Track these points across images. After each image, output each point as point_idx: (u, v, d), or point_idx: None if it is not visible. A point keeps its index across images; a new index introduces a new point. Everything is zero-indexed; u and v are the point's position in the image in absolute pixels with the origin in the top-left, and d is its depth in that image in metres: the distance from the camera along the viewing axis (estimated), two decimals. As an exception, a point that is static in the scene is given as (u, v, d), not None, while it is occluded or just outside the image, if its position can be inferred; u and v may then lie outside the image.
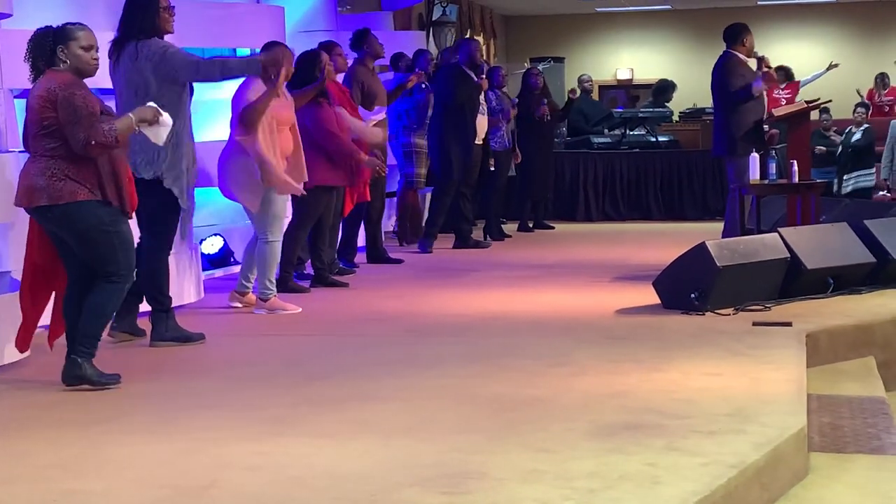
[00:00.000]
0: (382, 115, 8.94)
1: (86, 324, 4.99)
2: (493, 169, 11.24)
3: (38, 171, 4.93)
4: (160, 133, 5.09)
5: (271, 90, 6.68)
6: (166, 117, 5.08)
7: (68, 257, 5.08)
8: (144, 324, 6.16)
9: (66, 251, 5.08)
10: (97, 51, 5.03)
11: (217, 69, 5.96)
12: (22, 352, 5.34)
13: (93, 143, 4.83)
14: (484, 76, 10.41)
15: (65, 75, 4.92)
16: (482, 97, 10.42)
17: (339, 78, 8.59)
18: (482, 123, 10.45)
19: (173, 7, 5.97)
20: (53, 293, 5.23)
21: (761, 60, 8.72)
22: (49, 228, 5.05)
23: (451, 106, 9.95)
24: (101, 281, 5.00)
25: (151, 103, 5.16)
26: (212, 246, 8.75)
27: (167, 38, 5.95)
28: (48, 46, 4.94)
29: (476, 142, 10.37)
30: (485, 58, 16.17)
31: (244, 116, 6.73)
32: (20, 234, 5.85)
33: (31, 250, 5.16)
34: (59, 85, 4.87)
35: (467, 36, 17.20)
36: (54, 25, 5.00)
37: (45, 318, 5.32)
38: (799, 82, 13.74)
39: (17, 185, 5.06)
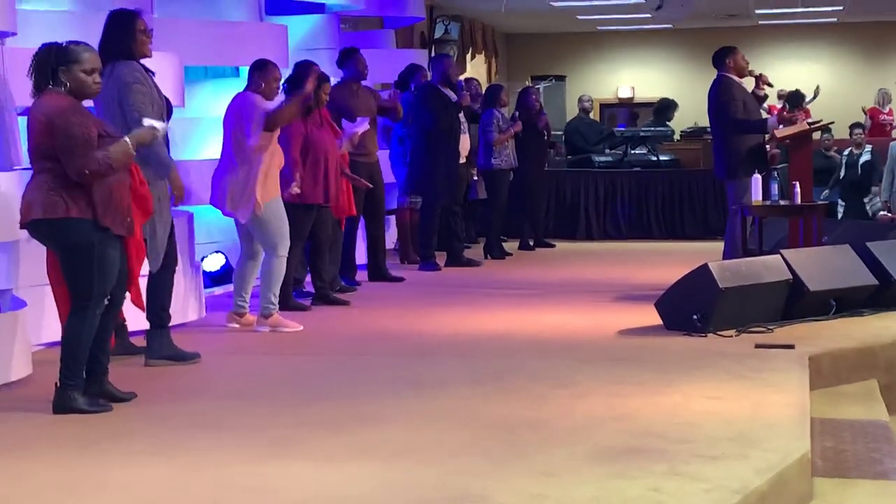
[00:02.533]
0: (367, 126, 8.74)
1: (66, 355, 4.93)
2: (489, 187, 11.22)
3: (35, 186, 4.93)
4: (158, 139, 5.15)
5: (297, 97, 6.86)
6: (160, 124, 5.08)
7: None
8: (137, 340, 6.15)
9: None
10: (100, 74, 5.03)
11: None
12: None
13: (86, 172, 4.81)
14: (465, 92, 10.32)
15: (62, 99, 4.88)
16: (462, 116, 10.30)
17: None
18: (465, 143, 10.36)
19: (152, 30, 5.99)
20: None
21: (759, 79, 8.72)
22: (43, 243, 5.03)
23: (432, 131, 9.87)
24: (75, 307, 4.95)
25: (147, 121, 5.13)
26: (213, 263, 8.74)
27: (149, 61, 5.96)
28: (50, 65, 4.91)
29: (460, 161, 10.29)
30: (477, 77, 16.17)
31: (272, 119, 6.75)
32: (23, 252, 5.85)
33: (52, 266, 5.15)
34: (57, 111, 4.84)
35: (468, 54, 17.24)
36: (59, 42, 4.97)
37: (51, 336, 5.31)
38: (808, 110, 13.78)
39: (21, 203, 5.04)
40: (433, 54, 15.15)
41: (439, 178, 9.97)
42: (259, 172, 6.80)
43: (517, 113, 11.61)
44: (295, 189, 7.51)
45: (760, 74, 8.77)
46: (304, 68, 7.38)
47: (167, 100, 6.16)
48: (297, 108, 6.96)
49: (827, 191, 12.73)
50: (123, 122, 5.66)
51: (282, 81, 7.21)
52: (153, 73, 6.02)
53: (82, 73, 4.93)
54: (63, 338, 4.97)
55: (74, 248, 4.91)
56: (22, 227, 5.04)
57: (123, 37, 5.84)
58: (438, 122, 9.81)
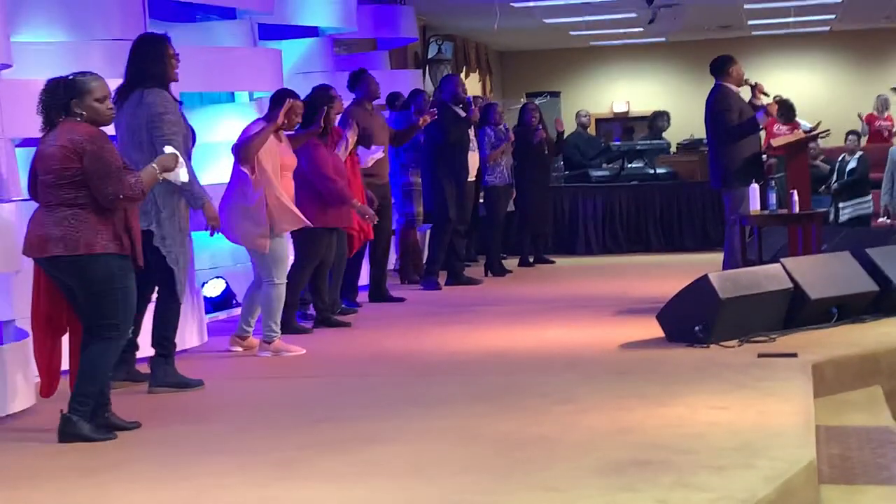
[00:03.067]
0: (381, 154, 8.95)
1: (81, 382, 4.95)
2: (487, 205, 11.25)
3: (54, 222, 4.91)
4: (180, 174, 5.15)
5: (270, 127, 6.82)
6: (181, 159, 5.14)
7: (75, 305, 5.07)
8: (142, 367, 6.15)
9: (75, 301, 5.06)
10: (111, 100, 5.07)
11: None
12: (46, 397, 5.29)
13: (121, 197, 4.86)
14: (475, 107, 10.37)
15: (87, 127, 4.92)
16: (472, 133, 10.37)
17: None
18: (473, 160, 10.41)
19: (178, 54, 6.00)
20: (68, 337, 5.21)
21: (755, 88, 8.74)
22: (58, 278, 5.03)
23: (442, 145, 9.92)
24: (96, 337, 4.96)
25: (169, 148, 5.21)
26: (214, 289, 8.75)
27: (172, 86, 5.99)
28: (61, 99, 4.93)
29: (468, 179, 10.34)
30: (479, 94, 16.22)
31: (242, 149, 6.79)
32: (23, 283, 5.85)
33: (39, 300, 5.13)
34: (86, 137, 4.88)
35: (462, 73, 17.28)
36: (66, 76, 4.98)
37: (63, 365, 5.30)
38: (799, 124, 13.80)
39: (27, 235, 5.02)
40: (428, 74, 15.21)
41: (450, 195, 10.00)
42: (262, 202, 6.79)
43: (505, 128, 11.59)
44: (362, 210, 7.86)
45: (756, 83, 8.79)
46: (283, 95, 7.30)
47: (191, 127, 6.18)
48: (262, 141, 6.84)
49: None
50: (151, 150, 5.68)
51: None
52: (181, 103, 6.05)
53: (95, 102, 4.97)
54: (81, 368, 4.97)
55: (99, 283, 4.92)
56: (37, 260, 5.01)
57: (154, 63, 5.86)
58: (449, 136, 9.86)
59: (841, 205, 13.01)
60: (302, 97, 7.72)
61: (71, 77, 4.99)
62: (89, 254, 4.88)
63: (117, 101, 5.85)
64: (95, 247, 4.88)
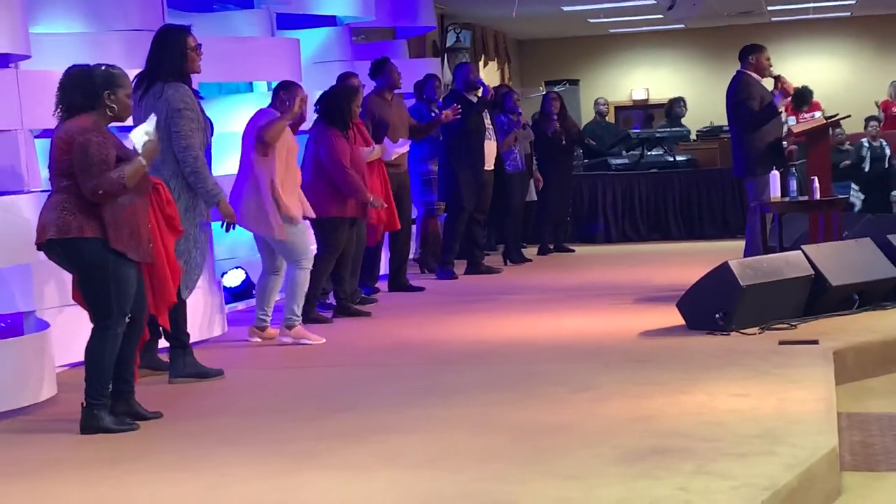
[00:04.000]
0: (406, 148, 8.91)
1: (90, 375, 4.94)
2: (501, 192, 11.22)
3: (51, 207, 4.94)
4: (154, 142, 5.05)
5: (288, 115, 6.84)
6: (150, 127, 5.02)
7: None
8: (165, 356, 6.17)
9: None
10: (144, 93, 5.09)
11: (189, 171, 5.87)
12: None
13: (100, 192, 4.82)
14: (490, 89, 10.27)
15: (88, 120, 4.88)
16: (488, 121, 10.31)
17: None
18: (490, 148, 10.36)
19: (200, 46, 6.00)
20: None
21: (778, 79, 8.68)
22: (58, 264, 5.04)
23: (458, 133, 9.90)
24: (95, 327, 4.95)
25: (146, 134, 5.01)
26: (233, 279, 8.76)
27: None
28: (92, 89, 4.89)
29: (486, 167, 10.30)
30: (498, 82, 16.16)
31: (262, 133, 6.80)
32: (45, 274, 5.88)
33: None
34: (78, 129, 4.86)
35: (481, 62, 17.24)
36: (95, 66, 4.95)
37: (75, 356, 5.32)
38: (818, 104, 13.74)
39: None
40: (446, 63, 15.17)
41: (465, 185, 9.98)
42: (271, 190, 6.81)
43: (518, 115, 11.53)
44: (376, 203, 7.78)
45: (779, 76, 8.73)
46: (289, 84, 7.29)
47: (209, 120, 6.18)
48: (283, 125, 6.89)
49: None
50: (168, 144, 5.69)
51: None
52: (201, 97, 6.05)
53: (126, 97, 4.98)
54: (86, 358, 4.97)
55: (89, 267, 4.91)
56: (38, 247, 5.05)
57: (175, 56, 5.86)
58: (466, 124, 9.83)
59: (894, 192, 12.89)
60: (321, 87, 7.74)
61: (104, 68, 4.96)
62: (80, 237, 4.86)
63: (137, 92, 5.85)
64: (85, 230, 4.86)
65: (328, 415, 5.08)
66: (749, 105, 8.39)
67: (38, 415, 5.37)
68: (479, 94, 10.06)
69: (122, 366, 5.04)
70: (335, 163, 7.64)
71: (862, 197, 13.09)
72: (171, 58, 5.87)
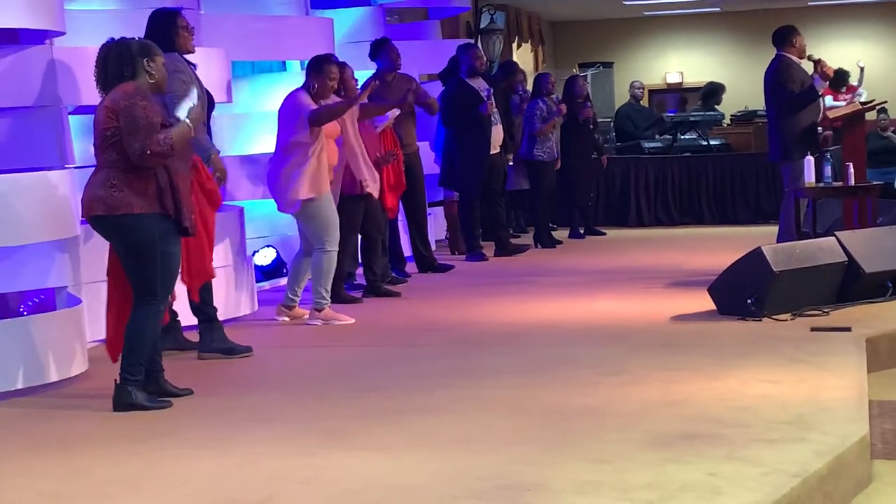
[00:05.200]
0: (390, 122, 8.69)
1: (129, 350, 4.97)
2: (531, 178, 11.18)
3: (99, 182, 4.96)
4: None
5: (348, 103, 6.97)
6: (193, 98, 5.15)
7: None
8: (190, 335, 6.20)
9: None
10: None
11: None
12: (114, 361, 5.34)
13: (148, 152, 4.84)
14: (490, 102, 10.01)
15: (130, 86, 4.94)
16: (493, 107, 10.13)
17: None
18: (497, 133, 10.19)
19: (193, 28, 6.08)
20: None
21: (818, 63, 8.59)
22: (106, 239, 5.07)
23: (465, 123, 9.81)
24: (138, 303, 4.99)
25: (189, 100, 5.12)
26: (264, 258, 8.78)
27: (192, 56, 6.05)
28: (131, 59, 4.96)
29: (492, 151, 10.17)
30: (525, 67, 16.05)
31: (318, 116, 6.79)
32: (76, 249, 5.91)
33: (112, 263, 5.18)
34: (123, 94, 4.91)
35: (514, 43, 17.17)
36: (127, 39, 5.03)
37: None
38: (855, 86, 13.61)
39: (81, 198, 5.07)
40: (479, 44, 15.10)
41: (470, 171, 9.91)
42: (303, 167, 6.82)
43: (557, 99, 11.47)
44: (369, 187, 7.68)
45: (819, 60, 8.63)
46: (322, 61, 7.24)
47: (208, 93, 6.20)
48: (344, 110, 7.00)
49: None
50: (165, 111, 5.71)
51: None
52: (195, 66, 6.08)
53: (163, 65, 5.07)
54: (127, 335, 4.99)
55: (138, 244, 4.94)
56: (84, 221, 5.08)
57: (166, 33, 5.93)
58: (462, 120, 9.74)
59: None
60: (355, 67, 7.71)
61: (138, 39, 5.07)
62: (129, 213, 4.89)
63: None
64: (134, 207, 4.89)
65: (357, 394, 5.09)
66: (789, 88, 8.32)
67: (69, 390, 5.41)
68: (486, 84, 9.95)
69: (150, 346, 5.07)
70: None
71: None
72: (163, 36, 5.91)
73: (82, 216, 5.11)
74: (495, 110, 10.17)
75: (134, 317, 4.98)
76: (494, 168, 10.21)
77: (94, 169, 5.07)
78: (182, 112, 5.03)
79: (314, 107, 6.87)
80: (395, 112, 8.46)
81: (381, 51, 8.97)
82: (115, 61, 4.96)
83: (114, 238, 5.02)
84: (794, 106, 8.30)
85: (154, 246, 4.93)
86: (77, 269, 5.95)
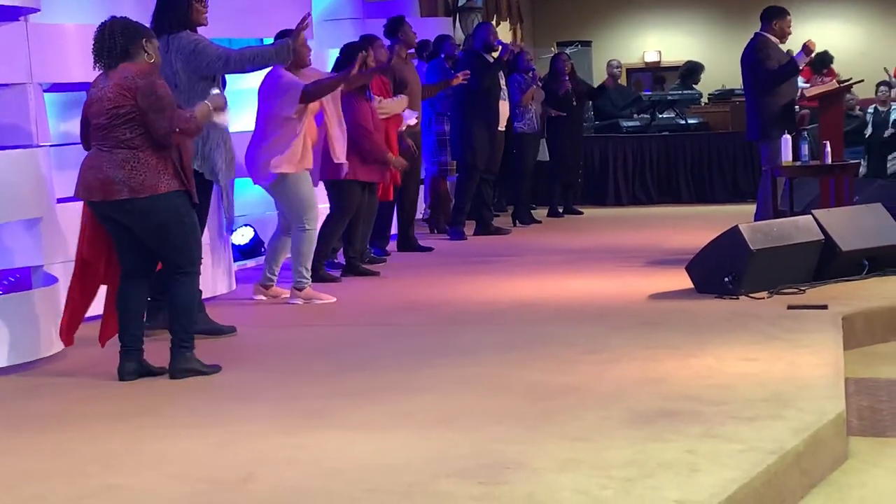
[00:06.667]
0: (414, 120, 8.84)
1: (181, 323, 5.05)
2: (516, 153, 11.20)
3: (115, 164, 4.90)
4: (224, 117, 5.30)
5: (343, 77, 6.91)
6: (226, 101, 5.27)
7: (126, 250, 5.09)
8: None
9: (124, 244, 5.08)
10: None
11: (247, 60, 5.94)
12: (67, 345, 5.35)
13: (176, 129, 4.88)
14: (511, 48, 10.25)
15: (142, 65, 4.94)
16: (503, 81, 10.29)
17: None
18: (504, 108, 10.35)
19: (207, 0, 5.97)
20: (105, 288, 5.23)
21: (805, 46, 8.60)
22: (116, 222, 5.01)
23: (476, 92, 9.88)
24: (176, 276, 5.04)
25: (216, 90, 5.29)
26: (242, 237, 8.76)
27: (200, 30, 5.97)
28: (135, 38, 4.95)
29: (499, 128, 10.29)
30: (515, 41, 16.05)
31: (312, 92, 6.77)
32: (51, 228, 5.88)
33: (83, 244, 5.16)
34: (137, 73, 4.91)
35: (493, 21, 17.14)
36: (125, 18, 5.04)
37: (91, 311, 5.33)
38: (835, 73, 13.68)
39: (83, 179, 4.99)
40: (458, 22, 15.08)
41: (480, 143, 9.97)
42: (289, 143, 6.80)
43: (533, 75, 11.45)
44: (397, 164, 7.88)
45: (806, 42, 8.63)
46: (358, 48, 7.43)
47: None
48: (338, 84, 6.97)
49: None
50: (190, 91, 5.68)
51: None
52: None
53: (157, 49, 5.07)
54: (177, 304, 5.06)
55: (167, 223, 4.98)
56: (94, 204, 5.00)
57: (178, 8, 5.83)
58: (481, 83, 9.80)
59: (890, 157, 12.84)
60: (332, 45, 7.70)
61: (132, 21, 5.07)
62: (156, 194, 4.91)
63: None
64: (160, 186, 4.92)
65: (338, 373, 5.10)
66: (767, 66, 8.35)
67: (46, 369, 5.39)
68: (497, 54, 10.03)
69: (132, 320, 5.07)
70: (358, 127, 7.64)
71: (865, 163, 13.00)
72: (175, 9, 5.84)
73: (90, 198, 4.99)
74: (504, 87, 10.26)
75: (184, 290, 5.06)
76: (496, 147, 10.25)
77: (95, 150, 4.98)
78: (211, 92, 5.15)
79: (304, 82, 6.81)
80: (414, 120, 8.61)
81: (399, 29, 9.04)
82: (122, 38, 4.94)
83: (139, 220, 4.97)
84: (776, 80, 8.33)
85: (183, 220, 5.01)
86: (53, 248, 5.93)
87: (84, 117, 5.06)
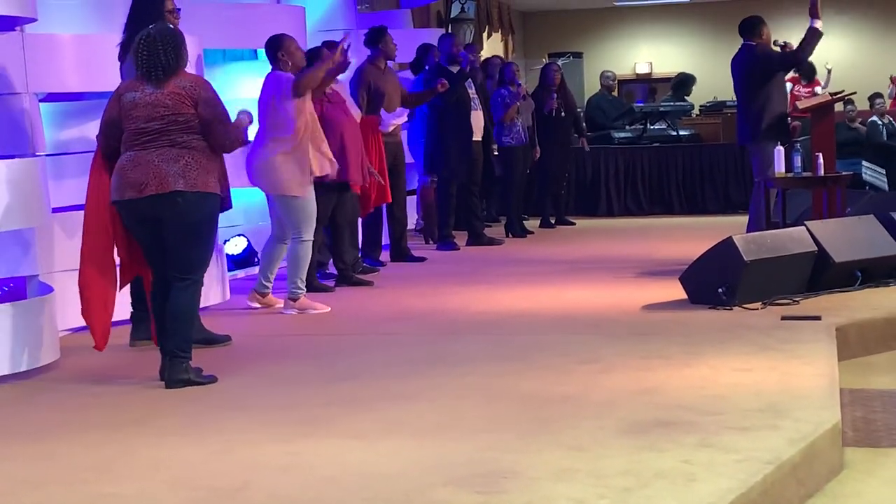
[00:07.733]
0: (404, 118, 8.86)
1: (180, 331, 5.06)
2: (503, 165, 11.20)
3: (170, 159, 4.98)
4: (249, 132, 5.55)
5: (328, 62, 6.91)
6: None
7: (158, 255, 5.12)
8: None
9: (155, 248, 5.11)
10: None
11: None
12: (100, 350, 5.32)
13: (239, 142, 5.11)
14: (472, 57, 10.18)
15: (191, 74, 5.12)
16: (473, 92, 10.25)
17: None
18: (477, 119, 10.32)
19: (179, 10, 6.00)
20: (94, 291, 5.24)
21: (784, 47, 8.68)
22: (155, 218, 5.02)
23: (442, 106, 9.84)
24: (181, 282, 5.06)
25: (245, 109, 5.46)
26: (235, 247, 8.76)
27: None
28: (183, 48, 5.10)
29: (474, 138, 10.26)
30: (506, 56, 16.11)
31: (297, 84, 6.75)
32: (46, 238, 5.88)
33: (121, 248, 5.23)
34: (200, 83, 5.07)
35: (485, 33, 17.18)
36: (159, 27, 5.17)
37: (77, 321, 5.32)
38: (819, 83, 13.76)
39: (126, 178, 5.01)
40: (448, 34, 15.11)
41: (452, 156, 9.96)
42: (293, 154, 6.79)
43: (518, 87, 11.45)
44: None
45: (785, 43, 8.72)
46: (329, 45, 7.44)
47: None
48: (322, 73, 6.92)
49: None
50: None
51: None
52: None
53: None
54: (178, 312, 5.06)
55: (205, 221, 5.09)
56: (133, 201, 5.01)
57: (151, 17, 5.83)
58: (448, 97, 9.75)
59: None
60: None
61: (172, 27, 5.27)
62: (207, 191, 5.02)
63: (121, 56, 5.88)
64: (210, 186, 5.04)
65: (333, 382, 5.10)
66: (775, 53, 8.45)
67: (41, 378, 5.38)
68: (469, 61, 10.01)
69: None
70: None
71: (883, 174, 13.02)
72: (149, 20, 5.84)
73: (138, 195, 4.99)
74: (475, 96, 10.24)
75: (188, 295, 5.08)
76: (474, 158, 10.24)
77: (138, 150, 5.01)
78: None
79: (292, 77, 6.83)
80: (404, 118, 8.60)
81: (379, 39, 9.01)
82: (173, 51, 5.05)
83: (179, 215, 5.00)
84: (804, 54, 8.49)
85: (213, 223, 5.12)
86: (48, 258, 5.92)
87: (110, 119, 5.11)
